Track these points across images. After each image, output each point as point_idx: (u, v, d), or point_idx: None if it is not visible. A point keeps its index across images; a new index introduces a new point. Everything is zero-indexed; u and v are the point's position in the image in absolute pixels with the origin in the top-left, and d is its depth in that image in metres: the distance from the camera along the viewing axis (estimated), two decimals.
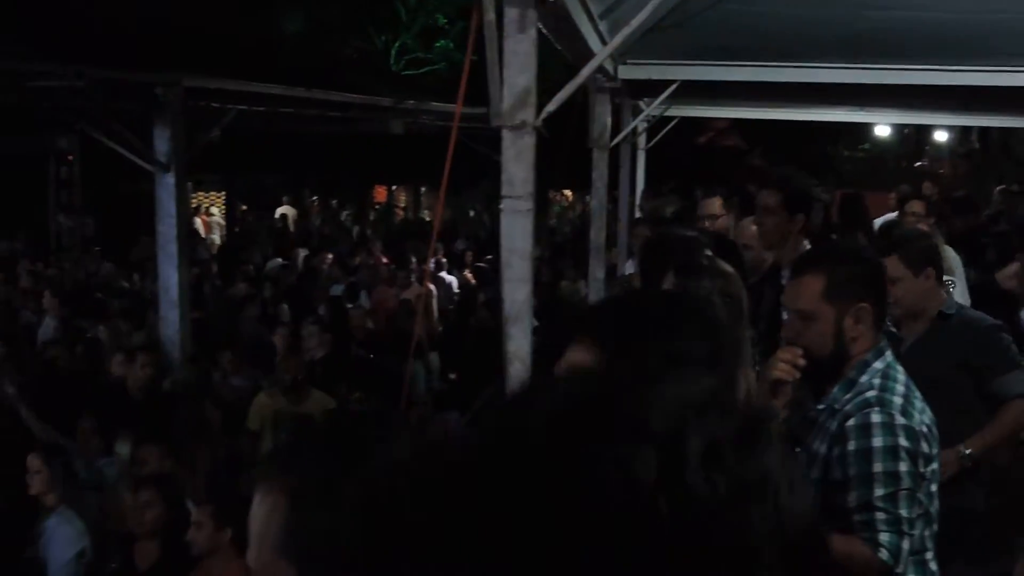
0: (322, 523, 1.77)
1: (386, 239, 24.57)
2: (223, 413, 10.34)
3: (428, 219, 32.22)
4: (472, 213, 32.90)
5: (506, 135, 5.19)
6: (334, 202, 32.69)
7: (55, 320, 14.13)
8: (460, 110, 5.63)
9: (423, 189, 35.22)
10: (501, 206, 5.24)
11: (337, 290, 16.90)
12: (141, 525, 7.07)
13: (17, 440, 8.75)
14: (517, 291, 5.22)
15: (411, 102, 18.49)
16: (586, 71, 5.97)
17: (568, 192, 36.55)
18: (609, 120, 11.63)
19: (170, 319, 12.83)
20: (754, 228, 7.13)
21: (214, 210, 30.82)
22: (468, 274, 20.22)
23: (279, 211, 30.96)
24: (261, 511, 1.86)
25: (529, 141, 5.18)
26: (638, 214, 11.76)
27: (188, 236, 13.68)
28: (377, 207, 34.69)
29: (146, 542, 7.09)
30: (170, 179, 13.10)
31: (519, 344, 5.22)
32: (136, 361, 10.79)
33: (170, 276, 13.03)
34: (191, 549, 6.70)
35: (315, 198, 33.37)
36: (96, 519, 7.84)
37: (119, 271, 18.87)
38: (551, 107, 5.44)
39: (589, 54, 7.06)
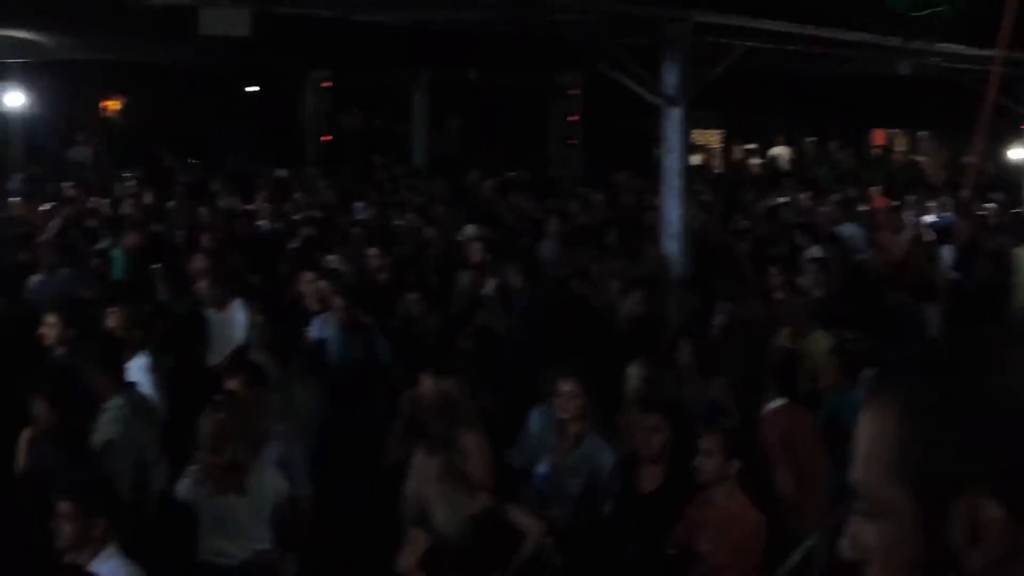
0: (938, 444, 1.70)
1: (884, 183, 23.89)
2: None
3: (921, 164, 31.15)
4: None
5: None
6: (831, 143, 32.09)
7: (554, 243, 14.54)
8: (1006, 52, 5.34)
9: (922, 133, 34.05)
10: None
11: (849, 230, 16.56)
12: (648, 448, 7.19)
13: None
14: None
15: (917, 43, 17.84)
16: None
17: None
18: None
19: (671, 249, 13.04)
20: None
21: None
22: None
23: (772, 151, 30.73)
24: (869, 431, 1.80)
25: None
26: None
27: (689, 170, 13.81)
28: (874, 150, 33.82)
29: (651, 466, 7.21)
30: (676, 113, 13.25)
31: None
32: (631, 294, 11.00)
33: (672, 209, 13.23)
34: (696, 476, 6.76)
35: (812, 139, 32.87)
36: None
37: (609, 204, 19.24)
38: None
39: None
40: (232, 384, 7.84)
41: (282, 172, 22.03)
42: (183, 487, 7.21)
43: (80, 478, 6.32)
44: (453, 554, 6.38)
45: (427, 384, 8.01)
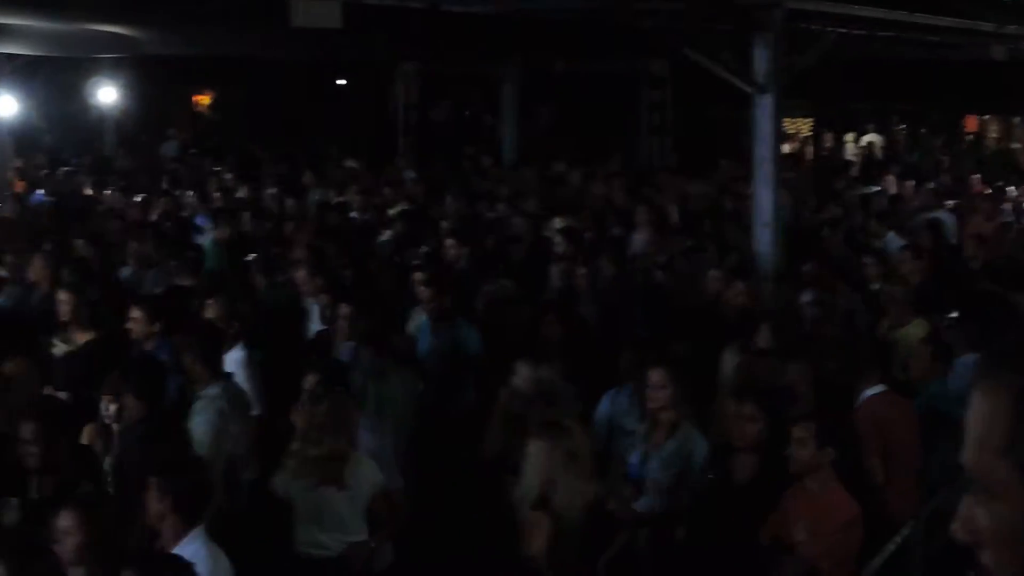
0: None
1: (978, 170, 23.56)
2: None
3: (1015, 150, 30.68)
4: None
5: None
6: (923, 130, 31.70)
7: (646, 234, 14.47)
8: None
9: (1016, 119, 33.51)
10: None
11: (943, 218, 16.35)
12: (743, 438, 7.14)
13: None
14: None
15: (1012, 27, 17.54)
16: None
17: None
18: None
19: (763, 238, 12.94)
20: None
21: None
22: None
23: (865, 139, 30.40)
24: (981, 412, 1.78)
25: None
26: None
27: (780, 159, 13.72)
28: (968, 136, 33.35)
29: (746, 455, 7.16)
30: (767, 101, 13.14)
31: None
32: (732, 286, 10.95)
33: (764, 196, 13.13)
34: (790, 466, 6.70)
35: (903, 126, 32.49)
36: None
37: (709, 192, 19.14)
38: None
39: None
40: (313, 379, 7.90)
41: (352, 163, 22.17)
42: (280, 480, 7.25)
43: (167, 458, 6.42)
44: (573, 539, 6.39)
45: (524, 372, 8.02)
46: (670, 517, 7.49)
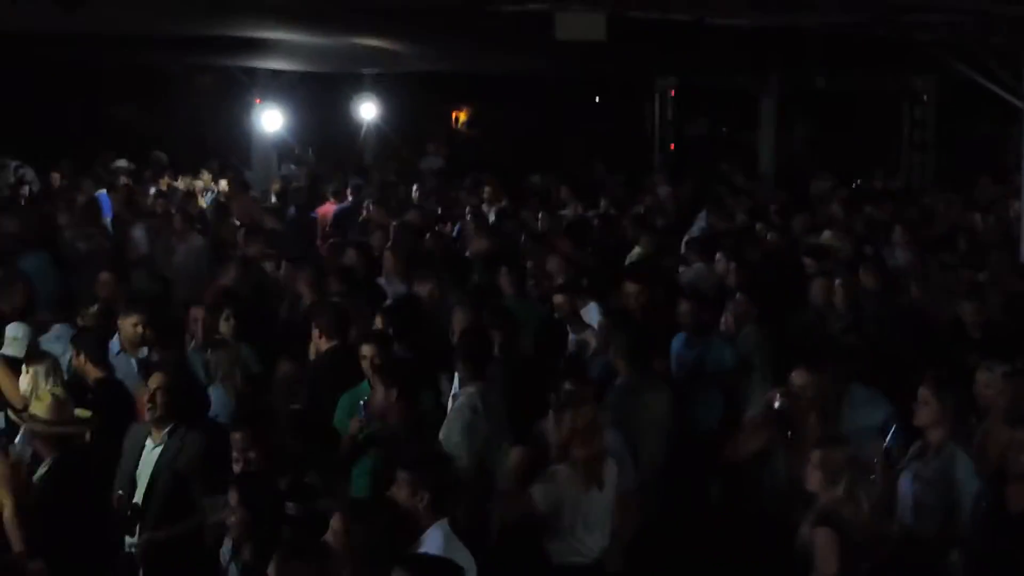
0: None
1: None
2: None
3: None
4: None
5: None
6: None
7: (907, 253, 14.07)
8: None
9: None
10: None
11: None
12: (1018, 465, 6.81)
13: None
14: None
15: None
16: None
17: None
18: None
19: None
20: None
21: None
22: None
23: None
24: None
25: None
26: None
27: None
28: None
29: (1020, 484, 6.82)
30: None
31: None
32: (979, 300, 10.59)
33: None
34: None
35: None
36: None
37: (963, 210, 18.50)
38: None
39: None
40: (571, 384, 7.95)
41: (535, 178, 22.18)
42: (546, 489, 7.24)
43: (417, 452, 6.65)
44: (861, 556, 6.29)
45: (802, 378, 7.90)
46: (941, 541, 7.21)
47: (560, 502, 7.19)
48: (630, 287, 10.95)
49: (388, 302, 10.96)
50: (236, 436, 7.08)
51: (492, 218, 16.90)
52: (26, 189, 19.76)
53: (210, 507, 7.02)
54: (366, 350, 8.49)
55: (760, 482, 7.81)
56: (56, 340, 10.05)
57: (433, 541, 5.91)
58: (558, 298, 10.81)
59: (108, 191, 19.29)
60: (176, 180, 21.78)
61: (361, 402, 8.01)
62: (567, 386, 7.95)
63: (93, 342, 9.23)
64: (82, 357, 9.03)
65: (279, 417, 8.06)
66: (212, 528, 6.97)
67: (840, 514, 6.33)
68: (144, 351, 9.68)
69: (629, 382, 8.89)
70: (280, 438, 7.31)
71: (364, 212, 17.58)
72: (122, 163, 23.40)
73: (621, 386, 8.90)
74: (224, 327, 9.99)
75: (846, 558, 6.24)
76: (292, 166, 24.61)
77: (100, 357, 9.10)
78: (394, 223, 15.30)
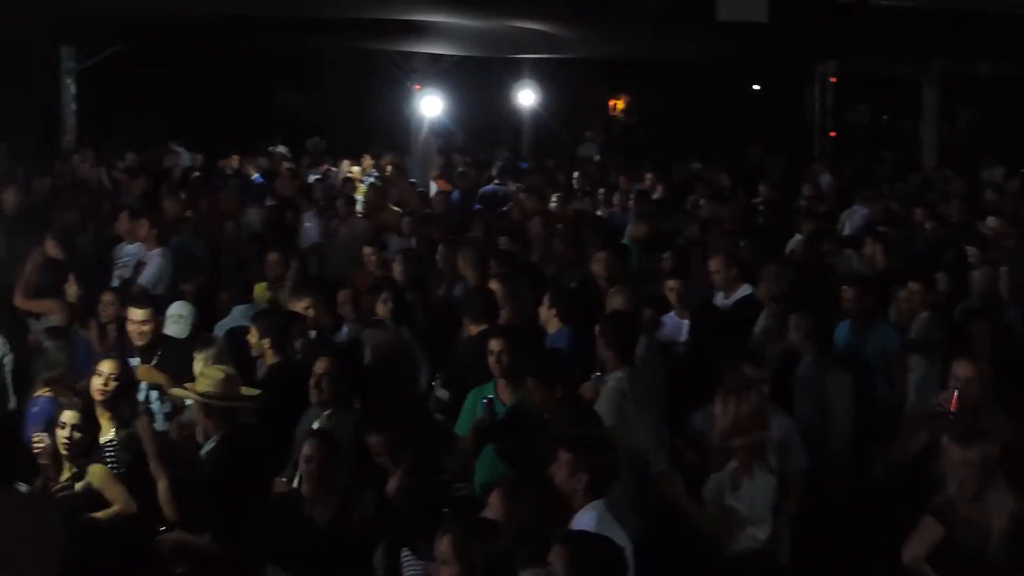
0: None
1: None
2: None
3: None
4: None
5: None
6: None
7: None
8: None
9: None
10: None
11: None
12: None
13: None
14: None
15: None
16: None
17: None
18: None
19: None
20: None
21: None
22: None
23: None
24: None
25: None
26: None
27: None
28: None
29: None
30: None
31: None
32: None
33: None
34: None
35: None
36: None
37: None
38: None
39: None
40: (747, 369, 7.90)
41: (695, 165, 21.91)
42: (716, 481, 7.23)
43: (577, 433, 6.58)
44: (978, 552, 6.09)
45: (965, 369, 7.72)
46: None
47: (719, 489, 7.15)
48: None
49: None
50: (373, 441, 7.19)
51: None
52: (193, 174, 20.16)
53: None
54: (494, 345, 8.16)
55: (928, 471, 7.63)
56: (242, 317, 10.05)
57: (588, 521, 5.90)
58: (719, 279, 10.80)
59: (268, 176, 19.66)
60: (336, 166, 22.09)
61: (484, 400, 7.85)
62: (741, 370, 7.90)
63: (277, 326, 9.19)
64: (266, 341, 8.96)
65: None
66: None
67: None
68: (312, 334, 9.80)
69: (816, 363, 8.91)
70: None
71: (513, 197, 17.72)
72: (281, 149, 23.85)
73: (807, 367, 8.91)
74: (382, 309, 10.02)
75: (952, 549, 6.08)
76: (454, 153, 24.79)
77: (281, 341, 9.03)
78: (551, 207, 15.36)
